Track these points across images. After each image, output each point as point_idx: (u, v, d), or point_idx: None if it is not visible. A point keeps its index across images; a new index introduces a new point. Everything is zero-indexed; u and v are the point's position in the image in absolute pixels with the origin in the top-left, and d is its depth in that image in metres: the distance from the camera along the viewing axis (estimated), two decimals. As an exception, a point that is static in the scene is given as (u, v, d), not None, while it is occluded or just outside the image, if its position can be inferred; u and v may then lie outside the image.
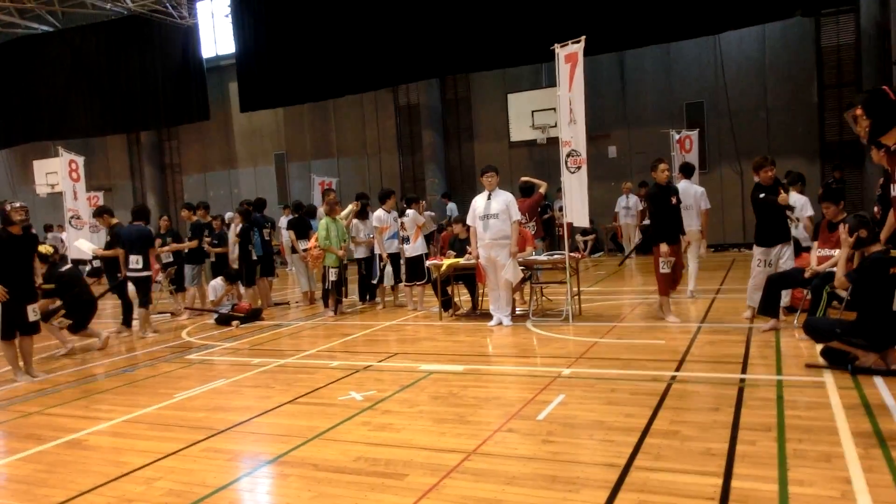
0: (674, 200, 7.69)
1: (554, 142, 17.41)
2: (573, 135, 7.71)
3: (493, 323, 8.36)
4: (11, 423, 5.61)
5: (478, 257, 8.32)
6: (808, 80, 15.83)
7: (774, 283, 6.85)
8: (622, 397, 4.99)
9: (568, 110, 7.73)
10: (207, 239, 11.17)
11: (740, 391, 4.92)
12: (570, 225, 8.48)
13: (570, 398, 5.03)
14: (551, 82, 17.87)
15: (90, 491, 3.92)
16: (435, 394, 5.45)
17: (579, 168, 7.75)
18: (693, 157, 15.96)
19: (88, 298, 8.72)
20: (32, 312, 7.02)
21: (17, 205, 6.93)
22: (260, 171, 22.38)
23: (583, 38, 7.54)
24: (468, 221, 8.42)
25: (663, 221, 7.67)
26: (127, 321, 9.80)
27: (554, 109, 17.30)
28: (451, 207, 17.68)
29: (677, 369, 5.70)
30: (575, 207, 7.83)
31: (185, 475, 4.06)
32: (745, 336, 6.78)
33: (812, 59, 15.75)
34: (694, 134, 15.63)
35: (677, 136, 15.78)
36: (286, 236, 14.37)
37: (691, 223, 8.61)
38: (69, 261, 10.12)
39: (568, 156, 7.88)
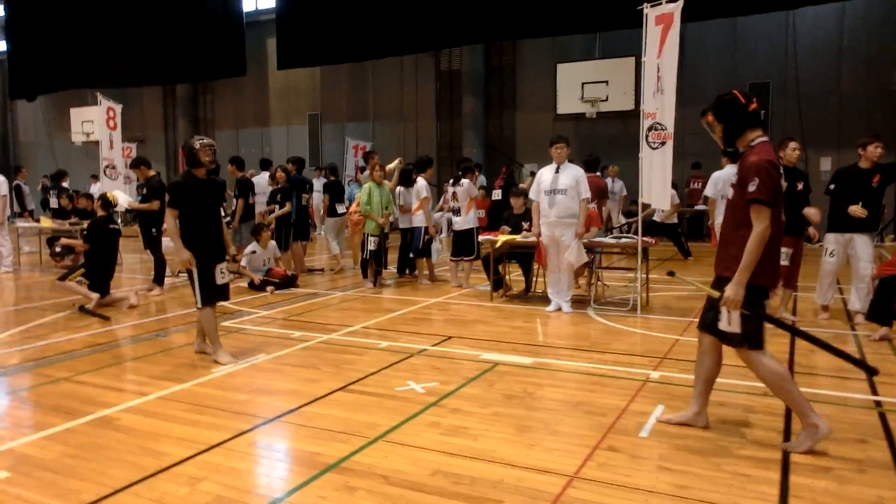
0: (800, 186, 6.83)
1: (603, 116, 16.70)
2: (658, 106, 6.91)
3: (551, 308, 7.67)
4: (39, 389, 5.04)
5: (539, 235, 7.60)
6: (888, 67, 14.75)
7: (889, 287, 6.09)
8: (736, 415, 4.27)
9: (655, 78, 6.92)
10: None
11: (882, 418, 4.20)
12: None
13: (671, 410, 4.33)
14: (605, 53, 17.07)
15: (125, 489, 3.29)
16: (507, 391, 4.78)
17: (664, 144, 6.96)
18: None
19: (109, 259, 8.17)
20: (220, 274, 5.68)
21: (206, 141, 5.65)
22: (293, 131, 21.69)
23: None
24: (531, 195, 7.69)
25: (786, 209, 6.79)
26: (159, 279, 9.21)
27: (606, 83, 16.51)
28: (481, 180, 16.90)
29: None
30: (655, 187, 7.05)
31: (233, 477, 3.43)
32: (852, 345, 6.04)
33: (894, 42, 14.65)
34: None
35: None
36: (317, 199, 13.80)
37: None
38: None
39: (650, 129, 7.09)
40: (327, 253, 11.77)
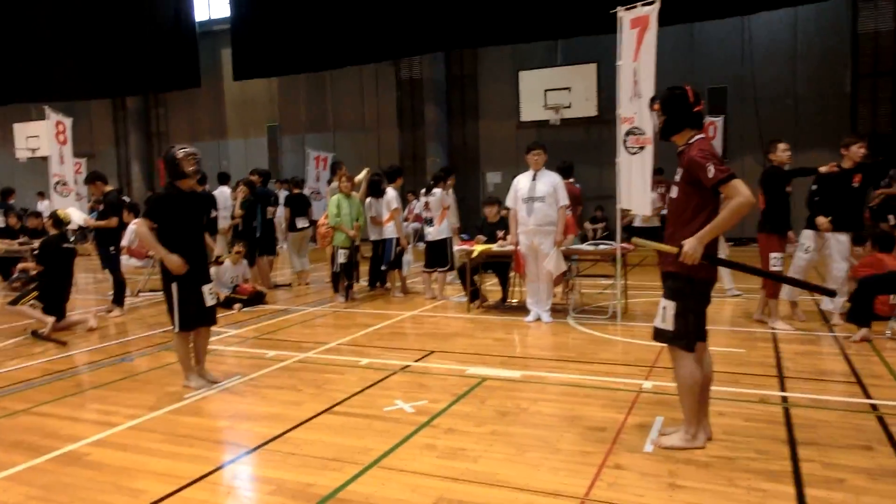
0: (789, 189, 6.86)
1: (567, 123, 16.69)
2: (637, 110, 6.83)
3: (530, 318, 7.52)
4: (-8, 425, 4.65)
5: (517, 244, 7.45)
6: (841, 68, 15.05)
7: (869, 287, 6.10)
8: (737, 425, 4.16)
9: (632, 83, 6.84)
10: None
11: (882, 423, 4.13)
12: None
13: (671, 422, 4.20)
14: (566, 60, 17.08)
15: (98, 537, 3.01)
16: (500, 408, 4.60)
17: (642, 149, 6.87)
18: (716, 145, 15.23)
19: (63, 280, 7.76)
20: (210, 295, 5.30)
21: (189, 150, 5.13)
22: (251, 143, 21.21)
23: (657, -1, 6.64)
24: (508, 203, 7.54)
25: (779, 209, 6.81)
26: (119, 299, 8.78)
27: (568, 89, 16.51)
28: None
29: (782, 388, 4.91)
30: (635, 193, 6.96)
31: (220, 516, 3.17)
32: (835, 347, 6.04)
33: (847, 45, 14.94)
34: (718, 120, 14.84)
35: (700, 122, 15.01)
36: (279, 213, 13.44)
37: None
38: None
39: (628, 134, 7.01)
40: (291, 267, 11.44)
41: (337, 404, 4.76)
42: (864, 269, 6.85)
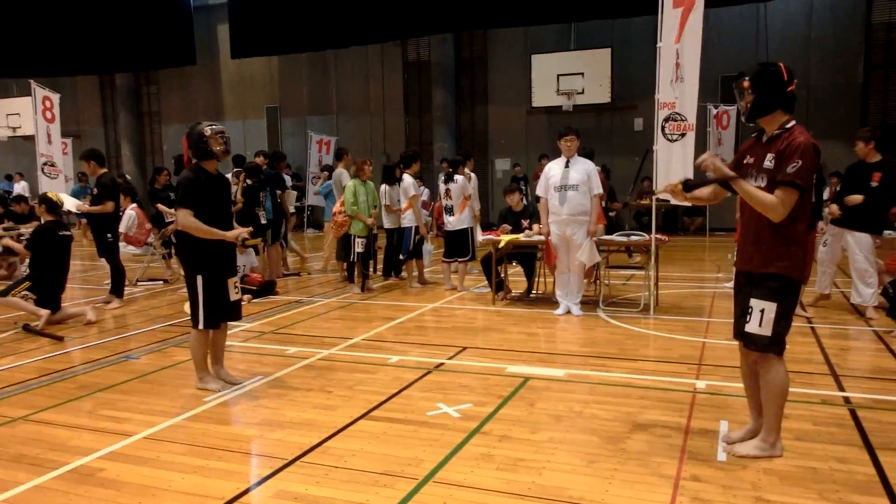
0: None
1: (579, 109, 16.29)
2: (678, 95, 6.47)
3: (560, 311, 7.19)
4: (-7, 432, 4.22)
5: (548, 234, 7.09)
6: (854, 59, 14.79)
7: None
8: (807, 429, 3.86)
9: (673, 66, 6.46)
10: None
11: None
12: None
13: (734, 425, 3.89)
14: (579, 44, 16.65)
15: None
16: (552, 412, 4.26)
17: (683, 135, 6.51)
18: (730, 134, 14.95)
19: (59, 269, 7.33)
20: (235, 289, 4.88)
21: (217, 127, 4.70)
22: (250, 125, 20.62)
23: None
24: (539, 192, 7.17)
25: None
26: (117, 290, 8.35)
27: (581, 74, 16.11)
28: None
29: (840, 388, 4.61)
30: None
31: (268, 543, 2.82)
32: (879, 342, 5.83)
33: (861, 36, 14.70)
34: (732, 109, 14.57)
35: (714, 111, 14.70)
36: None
37: None
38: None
39: (667, 120, 6.64)
40: (291, 255, 11.05)
41: (374, 408, 4.41)
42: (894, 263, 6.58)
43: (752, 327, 3.35)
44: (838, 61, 14.81)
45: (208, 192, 4.69)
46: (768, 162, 3.32)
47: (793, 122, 3.35)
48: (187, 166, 4.79)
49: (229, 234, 4.72)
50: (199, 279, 4.70)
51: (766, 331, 3.31)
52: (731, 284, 8.09)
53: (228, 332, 5.74)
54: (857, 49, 14.74)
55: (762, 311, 3.31)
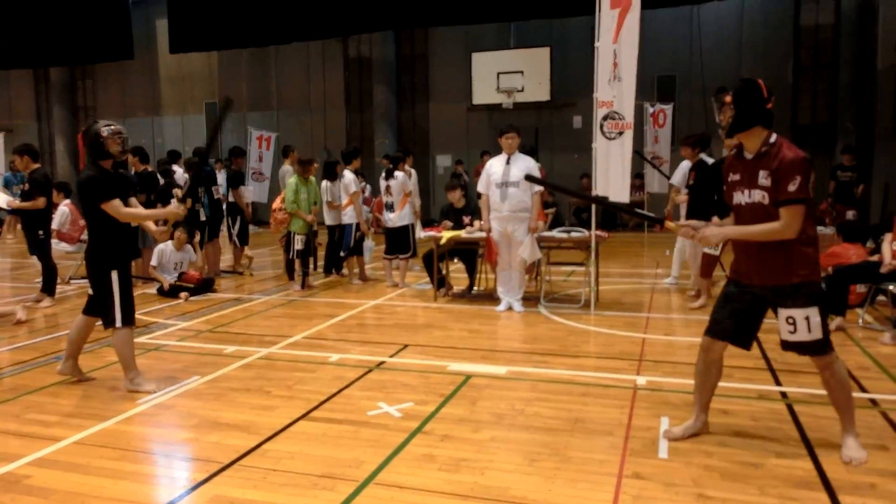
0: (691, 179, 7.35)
1: (519, 107, 16.41)
2: (616, 94, 6.56)
3: (501, 308, 7.21)
4: None
5: (490, 231, 7.11)
6: (783, 60, 15.31)
7: (843, 277, 6.05)
8: (747, 425, 3.95)
9: (611, 65, 6.55)
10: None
11: (886, 418, 4.01)
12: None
13: (674, 421, 3.96)
14: (519, 43, 16.78)
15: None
16: (494, 410, 4.26)
17: (621, 134, 6.61)
18: (666, 132, 15.27)
19: None
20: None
21: (114, 128, 4.64)
22: (188, 121, 20.08)
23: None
24: (480, 188, 7.17)
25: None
26: (49, 288, 8.01)
27: (521, 73, 16.23)
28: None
29: (777, 383, 4.74)
30: (613, 180, 6.68)
31: (202, 551, 2.72)
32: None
33: (790, 37, 15.24)
34: (668, 108, 14.90)
35: (651, 110, 15.01)
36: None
37: None
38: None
39: (605, 118, 6.73)
40: (230, 252, 10.80)
41: (314, 408, 4.33)
42: (829, 258, 6.80)
43: (801, 336, 3.34)
44: (768, 62, 15.26)
45: (117, 188, 4.64)
46: (764, 179, 3.32)
47: (775, 136, 3.38)
48: (83, 165, 4.75)
49: (169, 211, 4.90)
50: (115, 275, 4.61)
51: (818, 334, 3.32)
52: (670, 280, 8.45)
53: (161, 332, 5.53)
54: (786, 51, 15.26)
55: (807, 318, 3.31)
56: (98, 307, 4.72)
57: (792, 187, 3.22)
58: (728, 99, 3.41)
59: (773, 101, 3.41)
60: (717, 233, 3.53)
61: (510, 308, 7.18)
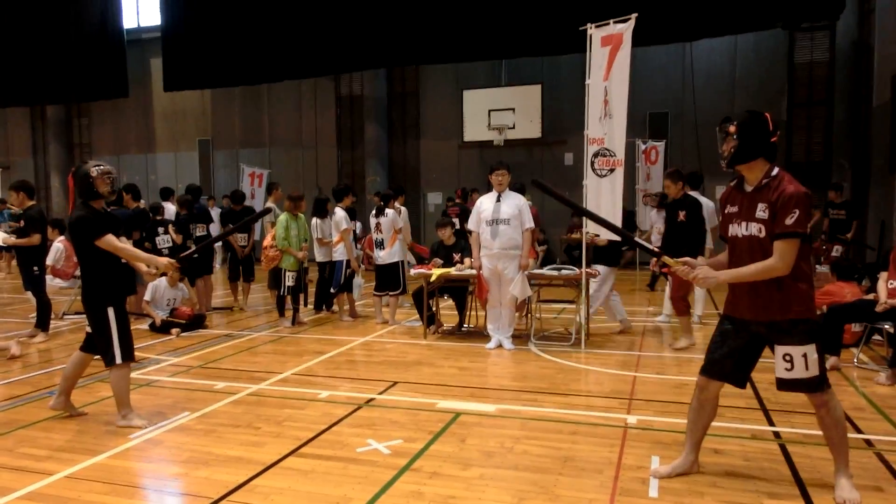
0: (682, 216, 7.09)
1: (510, 144, 16.61)
2: (607, 131, 6.67)
3: (491, 345, 7.22)
4: None
5: (480, 268, 7.16)
6: (777, 97, 15.42)
7: (837, 316, 6.07)
8: (739, 465, 3.95)
9: (602, 102, 6.68)
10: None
11: (881, 458, 4.01)
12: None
13: (664, 460, 3.96)
14: (510, 80, 17.04)
15: None
16: (483, 448, 4.26)
17: (612, 171, 6.71)
18: (658, 170, 15.43)
19: None
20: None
21: (103, 168, 4.74)
22: (182, 157, 20.21)
23: (633, 16, 6.49)
24: (471, 226, 7.25)
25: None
26: (43, 323, 7.98)
27: (512, 110, 16.46)
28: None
29: (770, 423, 4.74)
30: (605, 216, 6.72)
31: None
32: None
33: (783, 74, 15.36)
34: (660, 145, 15.08)
35: (643, 147, 15.19)
36: (215, 231, 12.75)
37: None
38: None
39: (596, 155, 6.84)
40: (223, 289, 10.78)
41: (303, 445, 4.32)
42: (823, 297, 6.85)
43: (798, 373, 3.34)
44: (762, 99, 15.36)
45: (108, 227, 4.71)
46: (761, 212, 3.35)
47: (777, 170, 3.40)
48: (73, 206, 4.87)
49: (161, 263, 4.85)
50: (111, 311, 4.65)
51: (815, 371, 3.33)
52: (663, 318, 8.47)
53: (153, 367, 5.52)
54: (780, 87, 15.35)
55: (804, 355, 3.33)
56: (96, 345, 4.74)
57: (790, 220, 3.22)
58: (732, 129, 3.40)
59: (778, 136, 3.44)
60: (712, 277, 3.47)
61: (500, 345, 7.19)
